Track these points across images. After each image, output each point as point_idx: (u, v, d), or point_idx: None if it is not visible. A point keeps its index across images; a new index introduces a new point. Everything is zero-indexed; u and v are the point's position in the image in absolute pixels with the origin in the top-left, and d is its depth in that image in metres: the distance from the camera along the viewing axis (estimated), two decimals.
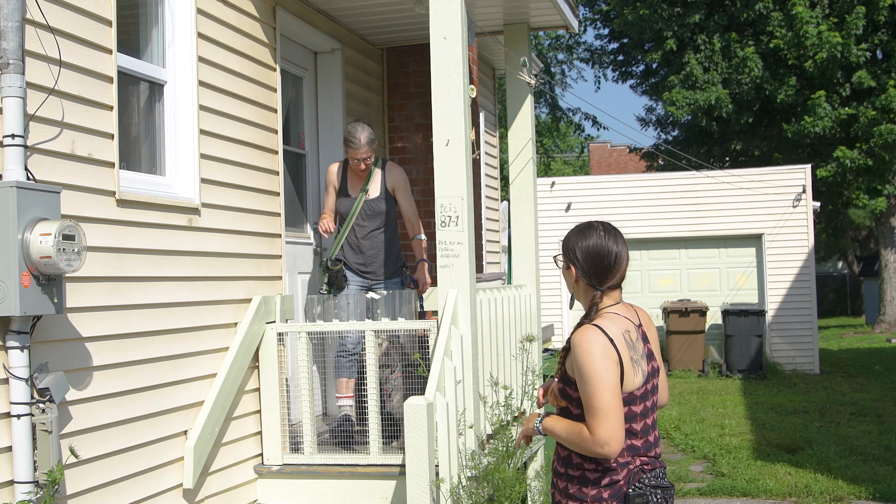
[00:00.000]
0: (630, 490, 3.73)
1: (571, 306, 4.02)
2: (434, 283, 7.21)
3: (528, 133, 8.67)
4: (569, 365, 3.80)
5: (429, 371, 6.01)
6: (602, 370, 3.62)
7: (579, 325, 3.83)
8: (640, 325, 3.88)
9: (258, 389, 6.66)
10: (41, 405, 4.58)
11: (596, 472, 3.76)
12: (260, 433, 6.68)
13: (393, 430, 6.66)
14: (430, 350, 6.26)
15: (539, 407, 4.18)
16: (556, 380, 3.92)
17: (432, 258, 7.43)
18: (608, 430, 3.59)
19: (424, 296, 7.67)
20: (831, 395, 15.79)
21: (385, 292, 7.06)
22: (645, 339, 3.86)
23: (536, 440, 7.53)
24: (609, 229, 3.89)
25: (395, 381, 6.81)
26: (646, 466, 3.80)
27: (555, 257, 4.09)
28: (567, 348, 3.81)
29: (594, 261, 3.84)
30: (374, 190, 7.46)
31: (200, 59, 6.22)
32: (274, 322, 6.71)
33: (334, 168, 7.60)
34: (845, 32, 25.23)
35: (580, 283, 3.89)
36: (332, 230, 7.43)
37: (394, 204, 7.53)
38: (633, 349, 3.76)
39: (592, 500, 3.75)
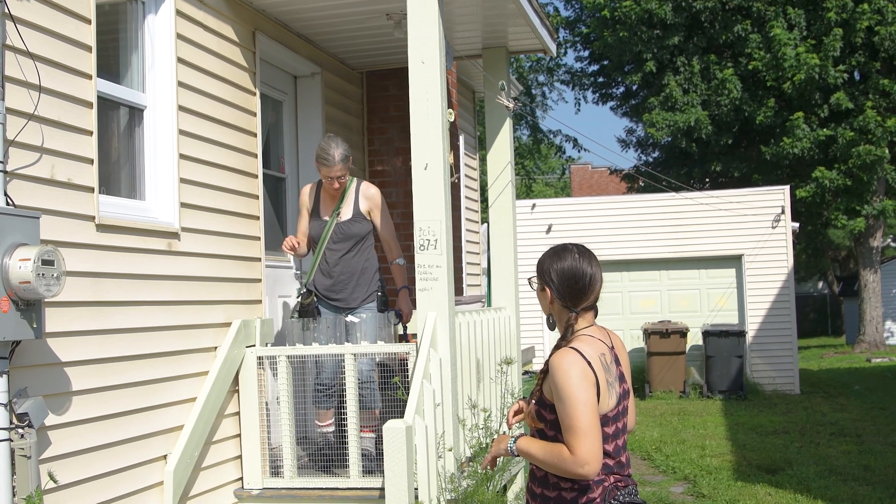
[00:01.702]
0: None
1: (552, 328, 4.05)
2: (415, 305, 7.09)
3: (507, 156, 8.72)
4: (546, 388, 3.84)
5: (408, 394, 6.02)
6: (581, 392, 3.66)
7: (556, 347, 3.87)
8: (612, 348, 3.93)
9: (238, 413, 6.66)
10: (20, 430, 4.57)
11: (573, 492, 3.79)
12: (240, 457, 6.68)
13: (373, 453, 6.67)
14: (410, 373, 6.28)
15: (509, 428, 4.22)
16: (532, 401, 3.96)
17: (413, 281, 7.42)
18: (588, 451, 3.62)
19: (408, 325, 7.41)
20: (811, 416, 15.85)
21: (364, 315, 7.04)
22: (617, 362, 3.92)
23: (515, 462, 7.54)
24: (583, 251, 3.95)
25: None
26: (619, 483, 3.84)
27: (529, 280, 4.12)
28: (545, 371, 3.85)
29: (569, 282, 3.89)
30: (347, 212, 7.12)
31: (180, 84, 6.25)
32: (254, 346, 6.72)
33: (307, 190, 7.30)
34: (823, 54, 25.45)
35: (555, 305, 3.94)
36: (296, 245, 7.10)
37: (368, 226, 7.18)
38: (608, 371, 3.81)
39: None
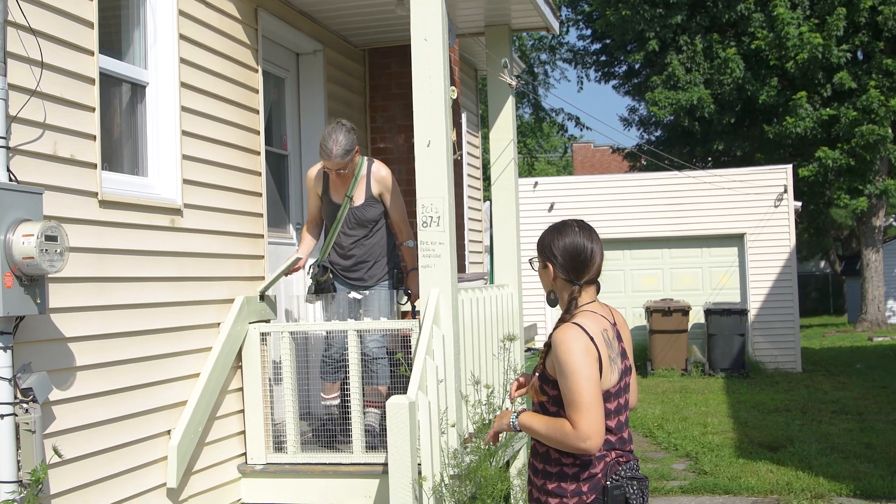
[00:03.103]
0: (608, 482, 3.80)
1: (553, 305, 4.07)
2: None
3: (509, 134, 8.71)
4: (549, 363, 3.86)
5: (411, 370, 6.04)
6: (584, 367, 3.68)
7: (560, 321, 3.89)
8: (614, 324, 3.96)
9: (241, 389, 6.68)
10: (24, 405, 4.59)
11: (574, 467, 3.81)
12: (243, 432, 6.70)
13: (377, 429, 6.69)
14: (413, 349, 6.29)
15: (511, 401, 4.24)
16: (535, 375, 3.98)
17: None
18: (591, 425, 3.64)
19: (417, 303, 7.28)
20: (813, 394, 15.89)
21: (367, 292, 7.05)
22: (619, 338, 3.94)
23: (518, 438, 7.57)
24: (583, 226, 3.98)
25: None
26: (621, 459, 3.87)
27: (530, 260, 4.14)
28: (548, 346, 3.87)
29: (571, 256, 3.92)
30: (360, 196, 7.04)
31: (182, 61, 6.24)
32: (257, 322, 6.73)
33: (313, 173, 7.16)
34: (826, 33, 25.39)
35: (558, 281, 3.97)
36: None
37: (381, 209, 7.11)
38: (611, 347, 3.83)
39: (572, 495, 3.80)
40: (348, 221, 7.04)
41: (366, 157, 7.15)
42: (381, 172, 7.09)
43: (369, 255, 7.11)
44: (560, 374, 3.74)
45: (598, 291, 4.02)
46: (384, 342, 6.89)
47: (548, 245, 3.99)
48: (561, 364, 3.72)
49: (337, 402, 7.01)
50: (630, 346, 4.05)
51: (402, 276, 7.26)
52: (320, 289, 7.11)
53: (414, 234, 6.85)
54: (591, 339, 3.75)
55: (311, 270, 7.20)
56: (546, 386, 3.89)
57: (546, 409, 3.90)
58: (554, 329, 3.87)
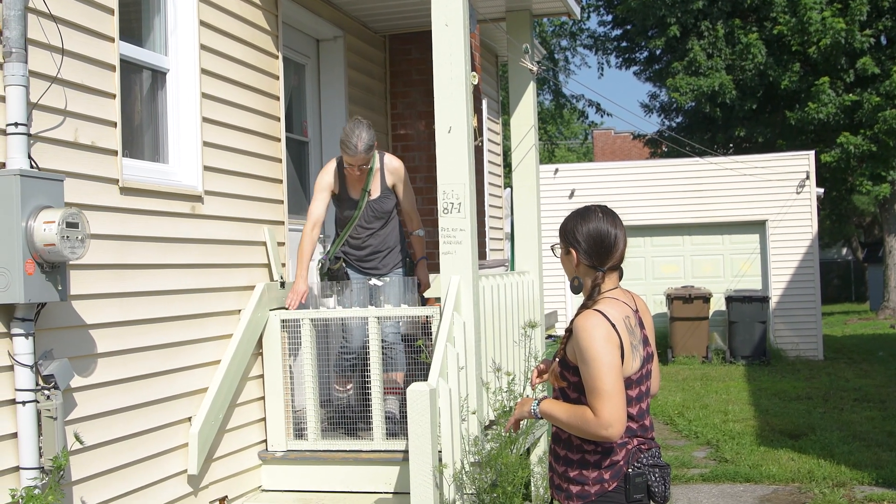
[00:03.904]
0: (630, 470, 3.78)
1: (576, 292, 4.04)
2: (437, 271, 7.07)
3: (530, 120, 8.67)
4: (570, 349, 3.84)
5: (432, 357, 6.02)
6: (606, 354, 3.66)
7: (583, 307, 3.87)
8: (636, 311, 3.93)
9: (262, 376, 6.69)
10: (46, 392, 4.60)
11: (596, 455, 3.79)
12: (264, 419, 6.71)
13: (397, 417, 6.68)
14: (433, 336, 6.28)
15: (532, 388, 4.23)
16: (556, 360, 3.96)
17: (430, 255, 7.43)
18: (613, 412, 3.63)
19: (426, 294, 7.33)
20: (835, 382, 15.80)
21: (388, 279, 7.05)
22: (641, 325, 3.91)
23: (539, 426, 7.55)
24: (607, 212, 3.95)
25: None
26: (643, 446, 3.85)
27: (552, 247, 4.11)
28: (569, 331, 3.85)
29: (595, 242, 3.89)
30: (376, 189, 7.10)
31: (202, 47, 6.23)
32: (277, 309, 6.73)
33: (329, 174, 7.08)
34: (849, 18, 25.17)
35: (581, 267, 3.94)
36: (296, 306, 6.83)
37: (395, 199, 7.20)
38: (633, 334, 3.81)
39: (593, 482, 3.79)
40: (366, 215, 7.09)
41: (376, 150, 7.17)
42: (393, 164, 7.17)
43: (384, 244, 7.18)
44: (581, 361, 3.72)
45: (620, 278, 3.99)
46: (400, 329, 6.91)
47: (571, 231, 3.96)
48: (582, 351, 3.70)
49: (351, 392, 7.03)
50: (652, 333, 4.02)
51: (413, 265, 7.35)
52: (333, 276, 7.14)
53: (433, 221, 6.84)
54: (613, 325, 3.73)
55: (321, 265, 7.23)
56: (566, 372, 3.87)
57: (566, 395, 3.89)
58: (575, 315, 3.85)
